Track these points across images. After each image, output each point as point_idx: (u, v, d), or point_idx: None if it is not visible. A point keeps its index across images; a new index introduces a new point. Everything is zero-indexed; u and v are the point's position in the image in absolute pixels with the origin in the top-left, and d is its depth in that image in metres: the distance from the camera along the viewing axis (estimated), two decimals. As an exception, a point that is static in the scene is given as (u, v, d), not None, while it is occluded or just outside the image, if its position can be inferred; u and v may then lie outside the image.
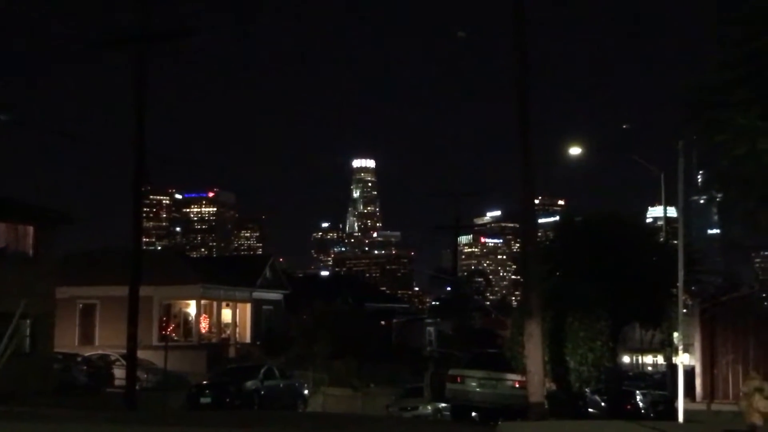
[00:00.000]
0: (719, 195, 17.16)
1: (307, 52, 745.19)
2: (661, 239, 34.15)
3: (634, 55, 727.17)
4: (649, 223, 64.95)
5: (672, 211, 39.85)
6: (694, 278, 28.66)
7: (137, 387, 30.76)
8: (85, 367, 40.86)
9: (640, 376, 63.19)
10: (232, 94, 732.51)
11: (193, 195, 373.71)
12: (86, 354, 45.75)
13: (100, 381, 40.94)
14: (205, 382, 36.61)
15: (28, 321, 31.64)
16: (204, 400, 33.17)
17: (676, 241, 31.04)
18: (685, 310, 19.13)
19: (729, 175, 15.57)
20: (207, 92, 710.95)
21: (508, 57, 21.82)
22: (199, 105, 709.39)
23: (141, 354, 35.13)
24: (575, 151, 34.17)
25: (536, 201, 23.17)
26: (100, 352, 48.22)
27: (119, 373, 41.28)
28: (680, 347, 16.75)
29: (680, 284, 15.80)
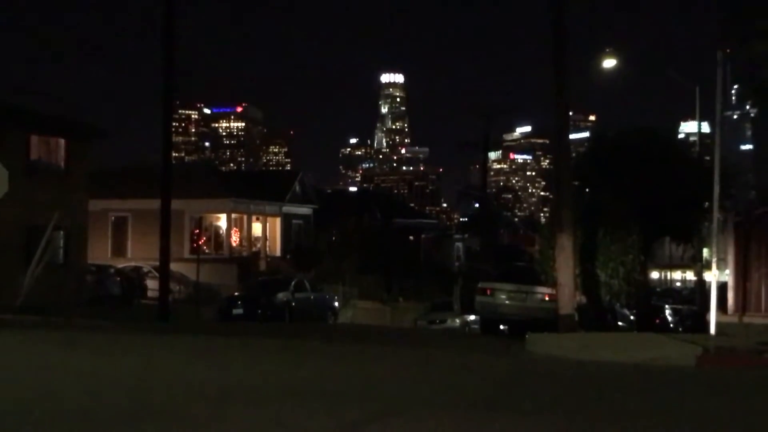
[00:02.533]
0: (754, 108, 16.87)
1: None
2: (695, 153, 33.76)
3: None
4: (681, 138, 64.19)
5: (705, 127, 39.35)
6: (727, 193, 28.36)
7: (170, 299, 31.13)
8: (118, 279, 41.39)
9: (669, 292, 63.23)
10: (261, 9, 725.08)
11: (222, 110, 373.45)
12: (119, 266, 46.32)
13: (133, 293, 41.52)
14: (236, 294, 37.02)
15: (61, 233, 32.00)
16: (235, 311, 33.56)
17: (708, 157, 30.75)
18: (715, 226, 18.94)
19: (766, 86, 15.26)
20: (235, 6, 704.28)
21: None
22: (228, 19, 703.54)
23: (173, 266, 35.51)
24: (609, 63, 33.55)
25: (569, 113, 22.85)
26: (132, 264, 48.85)
27: (152, 284, 41.87)
28: (713, 261, 16.64)
29: (715, 198, 15.63)
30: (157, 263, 32.20)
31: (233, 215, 58.87)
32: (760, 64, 15.17)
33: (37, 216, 29.25)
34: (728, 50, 16.65)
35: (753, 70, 16.28)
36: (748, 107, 17.10)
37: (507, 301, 25.83)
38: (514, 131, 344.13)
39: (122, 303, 37.82)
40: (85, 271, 36.63)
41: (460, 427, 8.09)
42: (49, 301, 27.66)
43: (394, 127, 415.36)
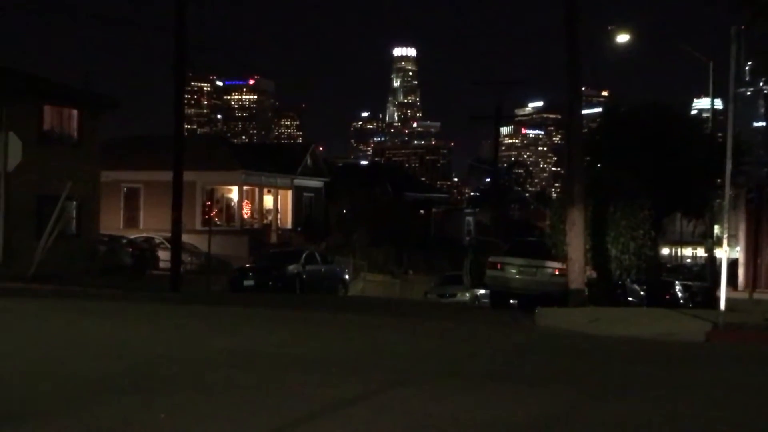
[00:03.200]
0: (768, 84, 16.78)
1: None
2: (707, 130, 33.66)
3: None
4: (694, 114, 63.92)
5: (718, 103, 39.18)
6: (739, 169, 28.31)
7: (181, 270, 31.28)
8: (130, 250, 41.57)
9: (679, 269, 63.29)
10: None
11: (234, 82, 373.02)
12: (131, 237, 46.52)
13: (145, 263, 41.69)
14: (247, 266, 37.12)
15: (74, 203, 32.16)
16: (247, 282, 33.69)
17: (721, 134, 30.66)
18: (727, 202, 18.93)
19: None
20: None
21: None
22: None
23: (185, 238, 35.65)
24: (622, 38, 33.39)
25: (581, 88, 22.80)
26: (144, 235, 49.04)
27: (164, 255, 42.03)
28: (724, 237, 16.65)
29: (727, 174, 15.60)
30: (169, 234, 32.34)
31: (245, 187, 58.98)
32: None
33: (50, 186, 29.40)
34: (742, 26, 16.56)
35: (765, 46, 16.20)
36: (761, 83, 17.02)
37: (517, 276, 25.86)
38: (527, 106, 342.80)
39: (134, 273, 38.00)
40: (98, 241, 36.81)
41: (467, 398, 8.19)
42: (62, 271, 27.86)
43: (405, 101, 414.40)
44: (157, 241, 46.34)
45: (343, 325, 15.76)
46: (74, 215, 33.29)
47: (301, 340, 12.72)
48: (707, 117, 37.78)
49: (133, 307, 17.76)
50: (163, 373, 8.99)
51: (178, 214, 30.14)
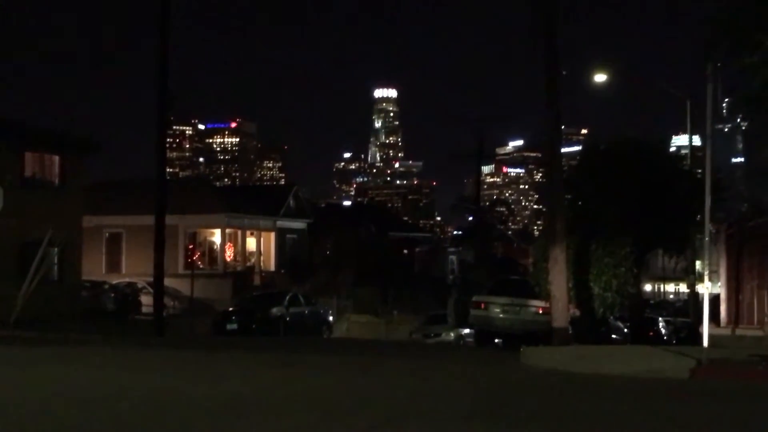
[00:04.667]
0: (746, 120, 16.97)
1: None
2: (686, 166, 33.90)
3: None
4: (673, 151, 64.41)
5: (697, 140, 39.51)
6: (719, 205, 28.49)
7: (164, 314, 31.10)
8: (112, 295, 41.37)
9: (662, 304, 63.34)
10: (253, 24, 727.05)
11: (216, 125, 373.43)
12: (113, 282, 46.26)
13: (128, 308, 41.47)
14: (231, 309, 36.97)
15: (55, 249, 31.99)
16: (230, 326, 33.54)
17: (700, 170, 30.87)
18: (707, 238, 19.06)
19: (758, 98, 15.38)
20: (228, 22, 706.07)
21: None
22: (221, 35, 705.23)
23: (167, 282, 35.38)
24: (600, 78, 33.73)
25: (561, 126, 22.99)
26: (127, 279, 48.79)
27: (146, 300, 41.79)
28: (706, 273, 16.76)
29: (707, 211, 15.73)
30: (152, 279, 32.17)
31: (227, 230, 58.88)
32: (749, 74, 15.27)
33: (32, 232, 29.29)
34: (718, 64, 16.78)
35: (743, 80, 16.40)
36: (739, 120, 17.18)
37: (501, 315, 25.89)
38: (507, 145, 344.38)
39: (117, 319, 37.77)
40: (80, 287, 36.60)
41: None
42: (44, 317, 27.66)
43: (387, 141, 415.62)
44: (140, 285, 46.10)
45: (330, 367, 15.71)
46: (56, 261, 33.12)
47: (288, 383, 12.66)
48: (686, 153, 38.06)
49: (116, 353, 17.65)
50: (153, 420, 8.93)
51: (160, 258, 30.02)
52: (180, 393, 11.12)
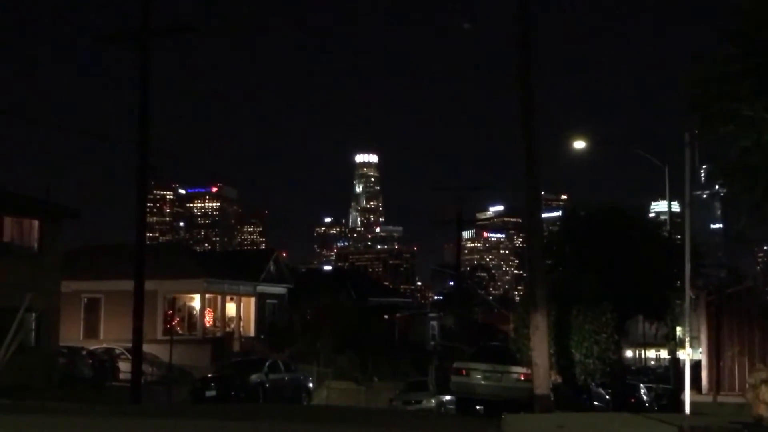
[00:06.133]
0: (723, 188, 17.12)
1: (309, 46, 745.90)
2: (665, 233, 34.11)
3: (637, 47, 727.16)
4: (652, 217, 64.91)
5: (675, 206, 39.83)
6: (698, 272, 28.63)
7: (142, 380, 30.74)
8: (90, 361, 40.91)
9: (643, 370, 63.25)
10: (234, 90, 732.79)
11: (196, 190, 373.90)
12: (91, 348, 45.82)
13: (105, 374, 41.00)
14: (209, 376, 36.64)
15: (33, 315, 31.65)
16: (209, 393, 33.19)
17: (679, 236, 31.07)
18: (687, 304, 19.12)
19: (735, 166, 15.54)
20: (208, 87, 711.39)
21: (511, 45, 21.77)
22: (201, 100, 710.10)
23: (146, 348, 35.05)
24: (579, 144, 34.08)
25: (540, 193, 23.12)
26: (104, 345, 48.34)
27: (124, 366, 41.33)
28: (687, 339, 16.76)
29: (687, 276, 15.81)
30: (130, 344, 31.84)
31: (207, 295, 58.52)
32: (725, 144, 15.47)
33: (9, 298, 28.98)
34: (696, 131, 17.00)
35: (721, 148, 16.59)
36: (717, 187, 17.35)
37: (482, 381, 25.74)
38: (487, 210, 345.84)
39: (94, 385, 37.29)
40: (57, 353, 36.20)
41: None
42: (20, 384, 27.29)
43: (368, 206, 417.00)
44: (118, 351, 45.64)
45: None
46: (33, 327, 32.77)
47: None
48: (665, 219, 38.32)
49: (92, 422, 17.38)
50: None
51: (139, 324, 29.73)
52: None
